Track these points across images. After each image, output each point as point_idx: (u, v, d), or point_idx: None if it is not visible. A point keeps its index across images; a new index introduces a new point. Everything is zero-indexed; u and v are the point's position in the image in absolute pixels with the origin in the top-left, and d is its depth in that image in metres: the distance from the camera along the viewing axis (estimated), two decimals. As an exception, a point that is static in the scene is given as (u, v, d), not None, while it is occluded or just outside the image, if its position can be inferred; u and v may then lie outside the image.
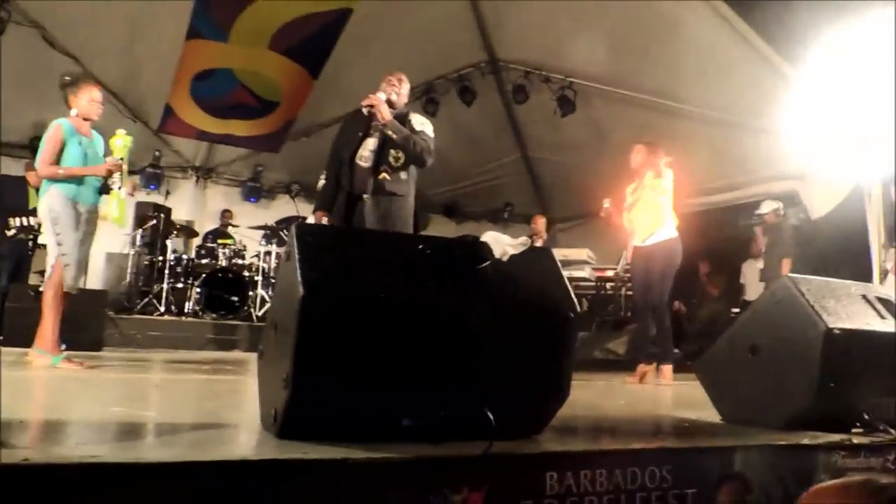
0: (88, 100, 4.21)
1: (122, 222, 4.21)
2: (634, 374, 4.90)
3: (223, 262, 7.77)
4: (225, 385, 3.57)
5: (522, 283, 1.72)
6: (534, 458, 1.62)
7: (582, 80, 7.84)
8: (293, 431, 1.61)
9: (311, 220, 4.87)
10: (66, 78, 4.35)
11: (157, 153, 8.73)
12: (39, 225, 6.43)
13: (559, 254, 5.17)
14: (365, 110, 3.83)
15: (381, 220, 3.73)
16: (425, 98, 8.60)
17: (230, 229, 8.74)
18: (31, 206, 6.45)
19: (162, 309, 7.46)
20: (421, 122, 4.03)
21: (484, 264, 1.72)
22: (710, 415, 2.45)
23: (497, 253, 1.74)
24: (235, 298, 7.53)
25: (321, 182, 4.29)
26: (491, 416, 1.57)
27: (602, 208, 5.38)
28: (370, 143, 3.90)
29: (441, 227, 10.18)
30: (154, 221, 8.08)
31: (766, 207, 7.50)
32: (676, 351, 6.78)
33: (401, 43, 7.54)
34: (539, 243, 7.17)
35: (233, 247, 8.02)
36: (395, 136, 3.77)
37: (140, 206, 8.53)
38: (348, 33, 7.14)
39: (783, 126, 6.58)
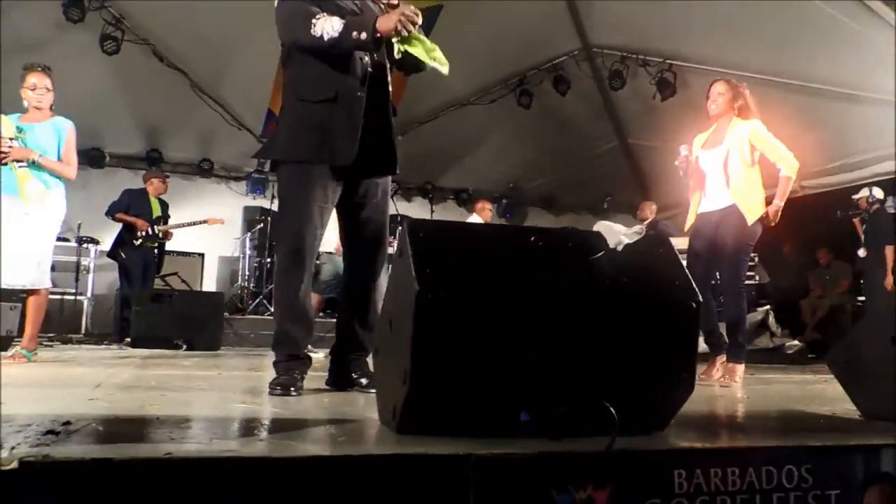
0: (25, 88, 4.11)
1: (26, 199, 3.86)
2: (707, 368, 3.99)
3: (328, 262, 8.00)
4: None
5: (640, 272, 1.66)
6: (661, 455, 1.56)
7: (682, 61, 7.55)
8: (413, 426, 1.61)
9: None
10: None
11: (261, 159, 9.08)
12: (164, 233, 6.89)
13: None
14: None
15: None
16: (519, 90, 8.52)
17: (333, 230, 8.98)
18: (155, 216, 6.90)
19: (272, 309, 7.75)
20: None
21: (598, 254, 1.66)
22: (847, 410, 2.28)
23: (611, 242, 1.68)
24: (342, 297, 7.72)
25: None
26: (613, 411, 1.52)
27: (679, 157, 4.15)
28: None
29: (540, 219, 10.09)
30: (262, 225, 8.43)
31: (861, 194, 7.12)
32: (797, 342, 6.45)
33: (492, 36, 7.49)
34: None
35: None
36: None
37: (248, 210, 8.95)
38: (440, 26, 7.16)
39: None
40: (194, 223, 7.19)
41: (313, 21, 2.43)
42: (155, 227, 6.81)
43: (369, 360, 2.68)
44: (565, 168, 9.69)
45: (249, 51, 7.46)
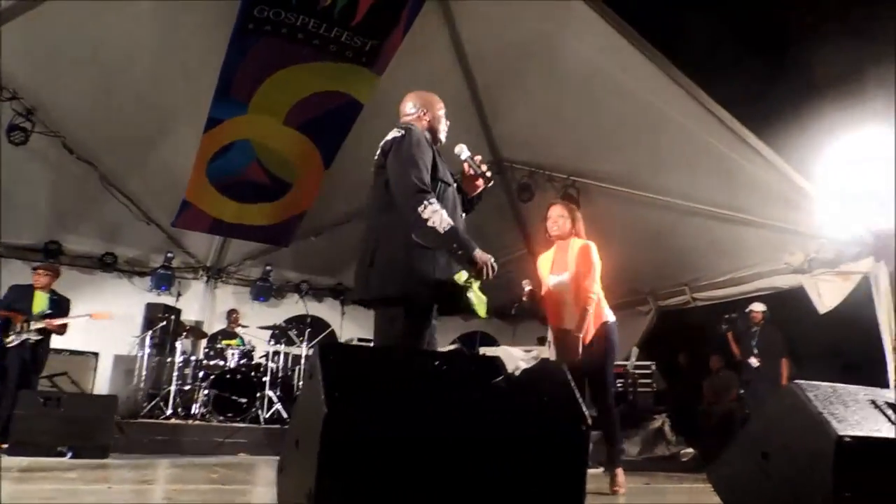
0: None
1: None
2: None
3: (231, 364, 7.79)
4: (236, 495, 3.53)
5: (534, 396, 1.77)
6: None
7: (584, 178, 8.09)
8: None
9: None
10: None
11: (168, 255, 8.93)
12: (44, 328, 6.52)
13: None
14: None
15: None
16: (433, 198, 8.83)
17: (238, 329, 8.80)
18: (37, 310, 6.57)
19: (169, 412, 7.42)
20: None
21: (498, 379, 1.77)
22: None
23: (510, 367, 1.80)
24: (243, 400, 7.50)
25: None
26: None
27: (524, 291, 4.39)
28: None
29: (452, 323, 10.21)
30: (164, 323, 8.17)
31: (756, 308, 7.80)
32: (691, 450, 6.71)
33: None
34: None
35: (241, 347, 8.07)
36: None
37: (150, 307, 8.67)
38: (360, 130, 7.44)
39: (788, 222, 6.79)
40: (77, 317, 6.81)
41: (425, 203, 2.62)
42: (31, 322, 6.46)
43: None
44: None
45: (163, 145, 7.50)
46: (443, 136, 3.16)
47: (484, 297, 2.69)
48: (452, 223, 2.63)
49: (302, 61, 6.54)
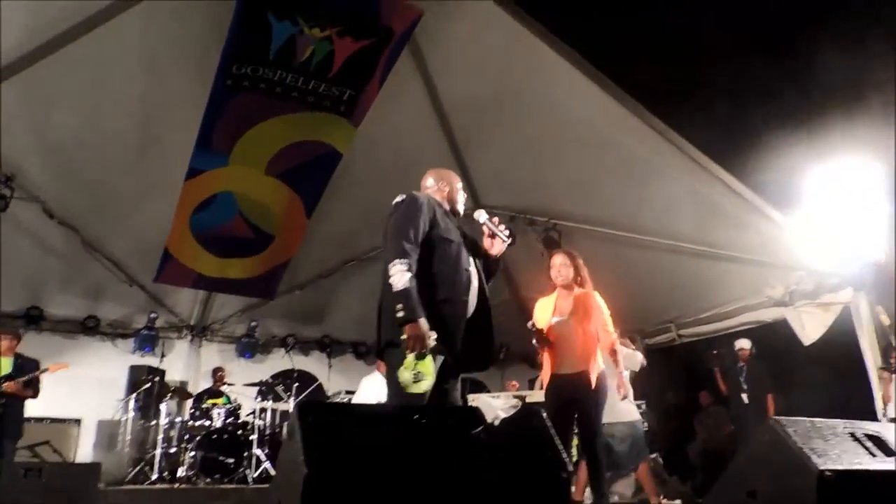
0: None
1: None
2: None
3: (217, 423, 7.65)
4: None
5: (514, 446, 1.78)
6: None
7: (565, 220, 8.17)
8: None
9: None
10: None
11: (152, 315, 8.85)
12: (5, 392, 6.37)
13: (542, 394, 5.00)
14: None
15: None
16: (414, 247, 8.86)
17: (224, 387, 8.69)
18: (1, 375, 6.44)
19: (155, 476, 7.26)
20: None
21: (477, 430, 1.78)
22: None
23: (489, 417, 1.81)
24: (231, 460, 7.35)
25: None
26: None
27: (530, 332, 4.37)
28: None
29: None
30: (148, 385, 8.06)
31: (742, 345, 7.85)
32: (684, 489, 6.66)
33: (387, 192, 7.89)
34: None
35: (227, 406, 7.95)
36: None
37: (134, 369, 8.56)
38: (344, 181, 7.50)
39: (766, 255, 6.91)
40: (33, 375, 6.54)
41: (397, 262, 2.84)
42: None
43: None
44: (461, 321, 9.95)
45: (144, 207, 7.51)
46: (461, 206, 3.45)
47: (424, 373, 2.67)
48: (408, 287, 2.78)
49: (281, 113, 6.64)
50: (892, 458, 2.30)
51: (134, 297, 8.54)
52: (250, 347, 9.54)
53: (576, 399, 4.19)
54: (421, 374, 2.63)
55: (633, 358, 5.97)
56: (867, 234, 6.27)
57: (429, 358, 2.67)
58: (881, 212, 5.94)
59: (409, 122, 7.26)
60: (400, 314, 2.74)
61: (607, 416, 5.08)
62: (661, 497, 5.88)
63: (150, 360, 8.69)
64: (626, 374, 4.53)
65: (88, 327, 8.61)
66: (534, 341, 4.38)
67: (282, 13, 5.72)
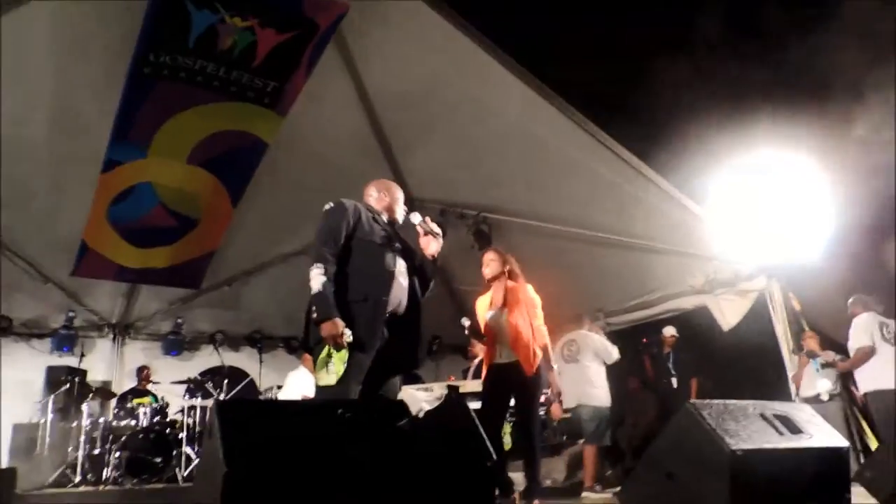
0: None
1: None
2: None
3: (144, 422, 7.42)
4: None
5: (438, 437, 1.79)
6: None
7: (495, 214, 8.26)
8: None
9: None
10: None
11: (70, 314, 8.49)
12: None
13: (477, 384, 5.11)
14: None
15: None
16: (345, 239, 8.79)
17: (150, 386, 8.42)
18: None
19: (77, 479, 6.97)
20: None
21: (401, 422, 1.79)
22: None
23: (413, 410, 1.82)
24: (159, 459, 7.14)
25: None
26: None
27: (463, 327, 4.65)
28: None
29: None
30: (67, 385, 7.73)
31: (667, 332, 8.13)
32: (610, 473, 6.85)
33: (324, 190, 7.79)
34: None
35: (153, 405, 7.71)
36: None
37: (52, 370, 8.20)
38: (269, 176, 7.35)
39: (686, 246, 7.17)
40: None
41: (314, 266, 3.06)
42: None
43: None
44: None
45: (58, 202, 7.19)
46: (399, 216, 3.64)
47: (336, 365, 2.81)
48: (322, 290, 2.99)
49: (202, 102, 6.45)
50: (798, 436, 2.44)
51: (50, 295, 8.17)
52: (177, 345, 9.27)
53: (511, 387, 4.31)
54: (333, 365, 2.76)
55: (609, 351, 6.23)
56: (781, 224, 6.57)
57: (343, 352, 2.80)
58: (795, 202, 6.24)
59: (335, 113, 7.19)
60: (315, 315, 2.96)
61: (581, 399, 5.97)
62: (596, 484, 6.00)
63: (69, 360, 8.33)
64: (556, 368, 4.64)
65: (1, 328, 8.17)
66: (467, 334, 4.64)
67: (200, 1, 5.54)
